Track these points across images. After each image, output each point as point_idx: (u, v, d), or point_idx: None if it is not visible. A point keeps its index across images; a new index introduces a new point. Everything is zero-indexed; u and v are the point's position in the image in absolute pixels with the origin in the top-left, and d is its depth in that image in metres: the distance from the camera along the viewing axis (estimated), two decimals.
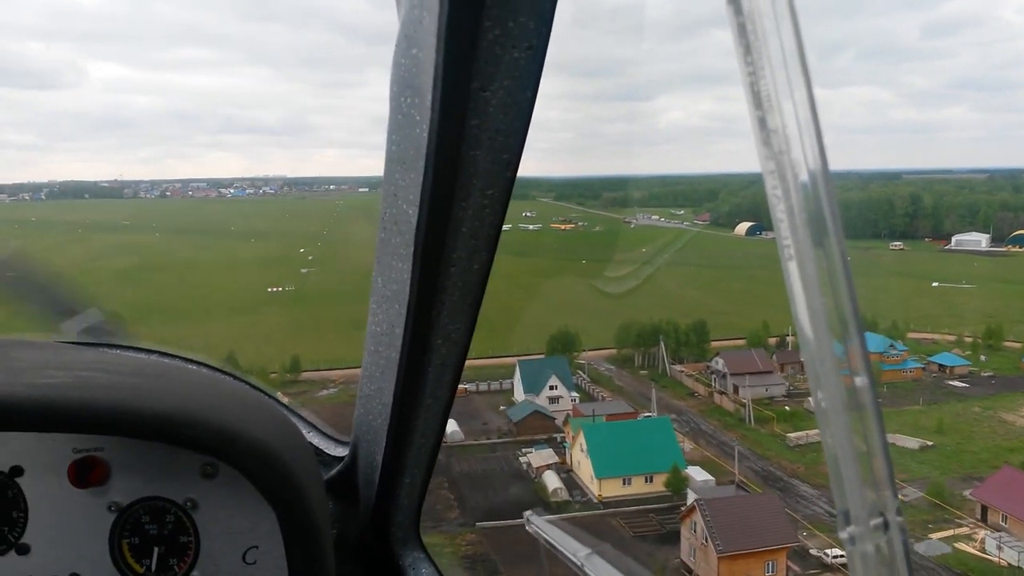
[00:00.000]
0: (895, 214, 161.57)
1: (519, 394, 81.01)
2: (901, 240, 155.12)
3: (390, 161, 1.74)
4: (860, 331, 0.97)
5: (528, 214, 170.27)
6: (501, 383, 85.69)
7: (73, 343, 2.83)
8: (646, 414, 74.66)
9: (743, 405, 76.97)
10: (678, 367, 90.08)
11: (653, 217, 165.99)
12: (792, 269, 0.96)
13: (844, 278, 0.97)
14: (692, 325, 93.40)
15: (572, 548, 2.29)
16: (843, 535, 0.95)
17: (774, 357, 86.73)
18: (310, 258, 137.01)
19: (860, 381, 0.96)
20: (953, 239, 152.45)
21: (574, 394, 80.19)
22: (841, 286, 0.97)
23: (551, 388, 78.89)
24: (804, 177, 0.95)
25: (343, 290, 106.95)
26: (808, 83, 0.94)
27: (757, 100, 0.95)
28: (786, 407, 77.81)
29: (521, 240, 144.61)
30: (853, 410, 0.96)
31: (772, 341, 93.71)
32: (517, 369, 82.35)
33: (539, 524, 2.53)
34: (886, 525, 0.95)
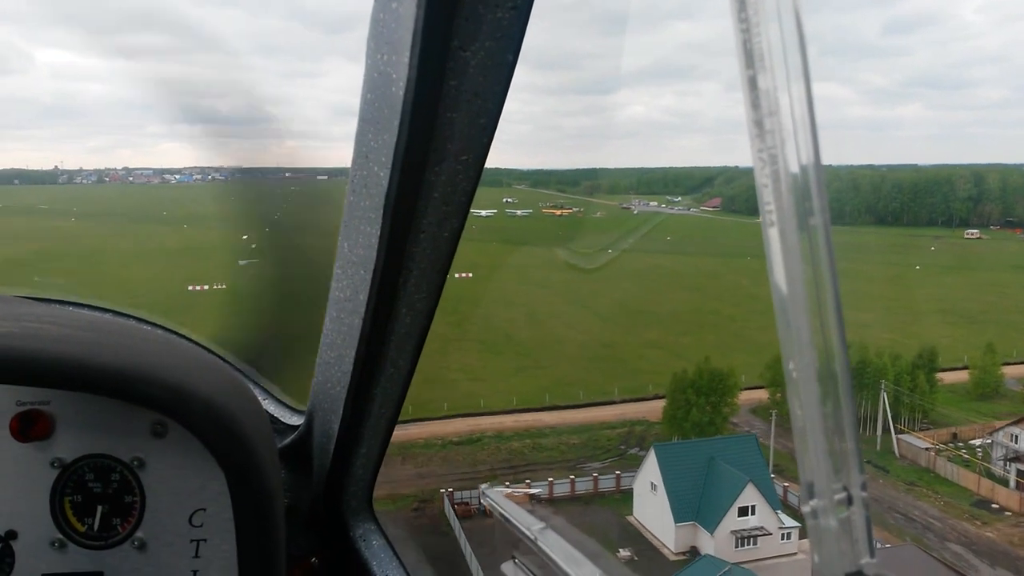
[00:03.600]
0: (956, 198, 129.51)
1: (651, 513, 35.15)
2: (974, 228, 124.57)
3: (363, 121, 1.57)
4: (837, 302, 0.86)
5: (509, 200, 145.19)
6: (596, 479, 39.73)
7: (28, 297, 2.53)
8: None
9: None
10: (910, 437, 44.95)
11: (651, 204, 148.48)
12: (773, 235, 0.86)
13: (825, 244, 0.86)
14: (919, 358, 48.30)
15: (527, 522, 2.13)
16: (805, 508, 0.88)
17: None
18: (253, 246, 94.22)
19: (835, 352, 0.86)
20: None
21: (787, 521, 34.33)
22: (822, 252, 0.86)
23: (742, 512, 33.22)
24: (791, 140, 0.84)
25: (292, 291, 65.57)
26: (803, 44, 0.84)
27: (749, 59, 0.86)
28: None
29: (518, 227, 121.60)
30: (825, 381, 0.86)
31: (1006, 373, 50.48)
32: (652, 462, 36.24)
33: (494, 497, 2.32)
34: (850, 499, 0.87)
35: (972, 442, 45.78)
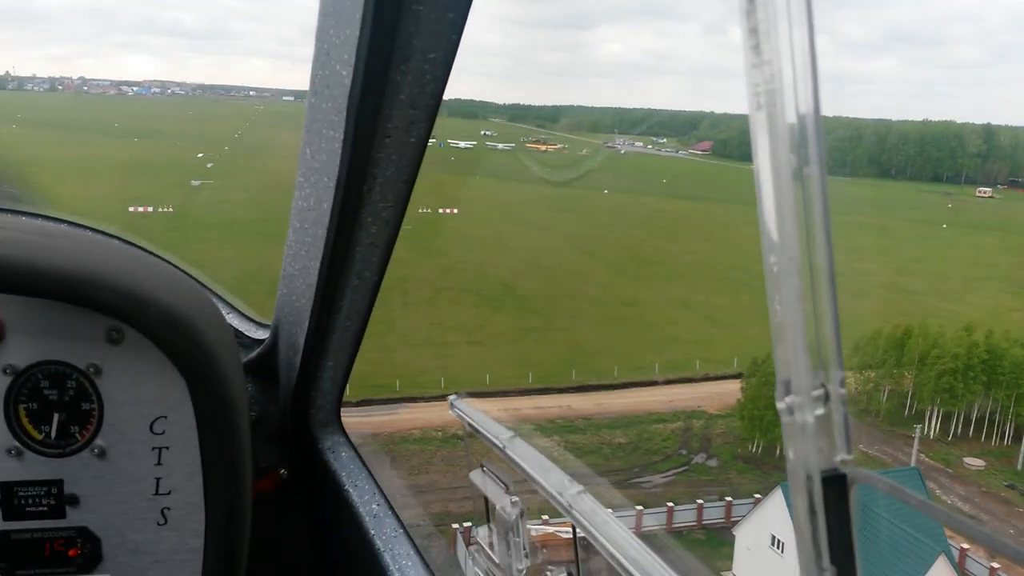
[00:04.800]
0: (964, 153, 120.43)
1: None
2: (984, 187, 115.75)
3: (324, 15, 1.46)
4: (824, 196, 0.78)
5: (488, 133, 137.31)
6: (671, 510, 27.67)
7: None
8: None
9: None
10: None
11: (637, 144, 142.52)
12: (759, 118, 0.77)
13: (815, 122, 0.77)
14: None
15: (495, 431, 2.12)
16: (781, 405, 0.83)
17: None
18: (209, 166, 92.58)
19: (819, 246, 0.80)
20: None
21: None
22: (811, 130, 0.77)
23: None
24: (788, 62, 0.76)
25: (250, 217, 63.16)
26: None
27: None
28: None
29: (502, 161, 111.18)
30: (807, 276, 0.80)
31: None
32: (777, 506, 24.20)
33: (462, 408, 2.30)
34: (827, 397, 0.82)
35: None
